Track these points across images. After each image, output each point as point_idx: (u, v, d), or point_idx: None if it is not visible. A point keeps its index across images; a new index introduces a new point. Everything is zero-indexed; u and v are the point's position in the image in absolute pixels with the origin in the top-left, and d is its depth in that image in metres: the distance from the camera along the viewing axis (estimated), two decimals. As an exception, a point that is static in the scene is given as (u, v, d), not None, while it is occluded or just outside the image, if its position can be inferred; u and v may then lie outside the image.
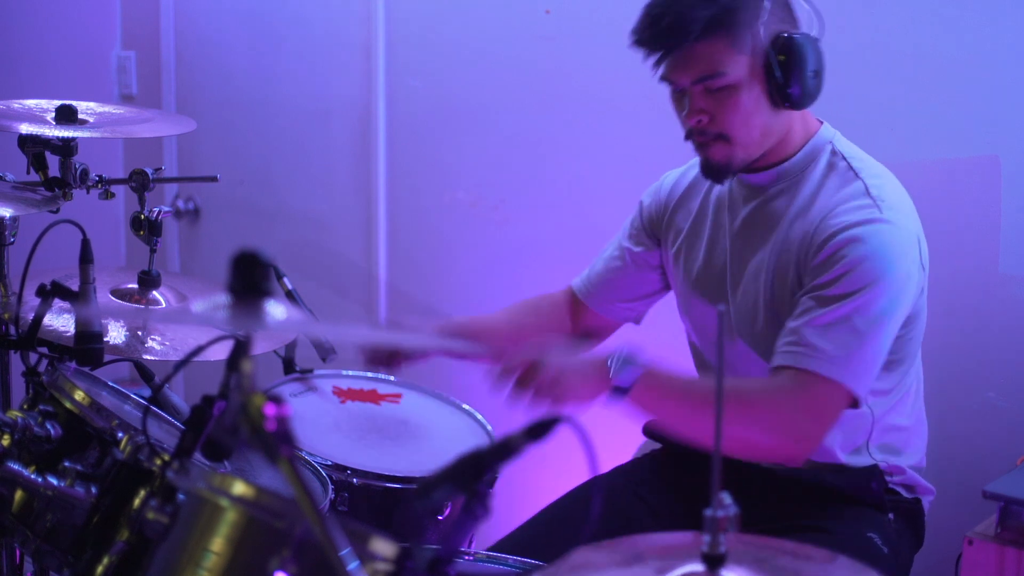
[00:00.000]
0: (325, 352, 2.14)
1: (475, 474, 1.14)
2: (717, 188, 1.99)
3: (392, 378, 2.43)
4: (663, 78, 1.83)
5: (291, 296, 2.10)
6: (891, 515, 1.89)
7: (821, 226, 1.79)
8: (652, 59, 1.80)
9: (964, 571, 1.73)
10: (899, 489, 1.93)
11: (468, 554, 1.77)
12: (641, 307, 2.18)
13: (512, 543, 1.93)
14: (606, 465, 2.08)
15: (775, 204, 1.88)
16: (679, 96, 1.83)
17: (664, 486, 2.05)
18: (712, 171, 1.86)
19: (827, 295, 1.74)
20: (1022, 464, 1.84)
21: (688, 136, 1.84)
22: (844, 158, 1.86)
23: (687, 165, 2.08)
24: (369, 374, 2.45)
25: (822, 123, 1.90)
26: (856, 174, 1.84)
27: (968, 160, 2.25)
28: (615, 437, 1.93)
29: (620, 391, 1.68)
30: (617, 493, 2.03)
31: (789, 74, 1.76)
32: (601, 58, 2.72)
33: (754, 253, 1.90)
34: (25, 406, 1.72)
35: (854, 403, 1.74)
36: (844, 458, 1.89)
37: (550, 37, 2.80)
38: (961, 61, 2.25)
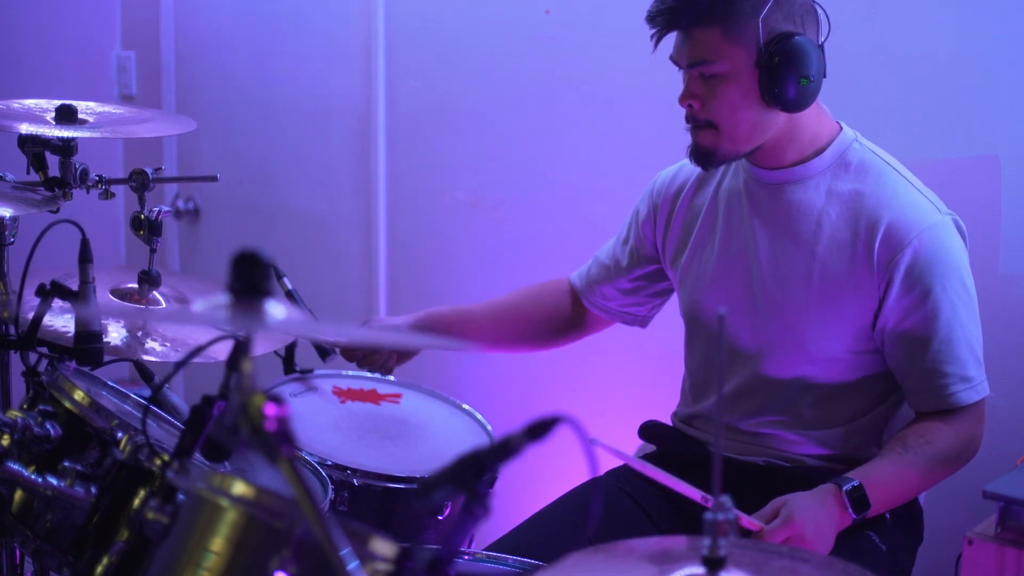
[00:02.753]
0: (325, 352, 2.15)
1: (475, 474, 1.14)
2: (727, 185, 1.99)
3: (392, 378, 2.43)
4: (671, 58, 1.87)
5: (291, 296, 2.10)
6: (887, 515, 1.89)
7: (889, 230, 1.81)
8: (656, 37, 1.85)
9: (964, 571, 1.72)
10: None
11: (468, 554, 1.77)
12: (642, 312, 2.21)
13: (511, 543, 1.93)
14: (604, 467, 2.08)
15: (806, 200, 1.88)
16: (684, 78, 1.87)
17: (657, 488, 2.04)
18: (699, 156, 1.88)
19: (927, 312, 1.81)
20: (1022, 464, 1.83)
21: (686, 118, 1.87)
22: (879, 156, 1.89)
23: (679, 164, 2.09)
24: (368, 374, 2.45)
25: (840, 124, 1.91)
26: (900, 174, 1.87)
27: (968, 160, 2.25)
28: (613, 439, 1.92)
29: (862, 514, 1.79)
30: (612, 495, 2.03)
31: (781, 74, 1.76)
32: (601, 58, 2.71)
33: (787, 247, 1.90)
34: (25, 406, 1.72)
35: None
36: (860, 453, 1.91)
37: (550, 37, 2.80)
38: (961, 61, 2.25)
